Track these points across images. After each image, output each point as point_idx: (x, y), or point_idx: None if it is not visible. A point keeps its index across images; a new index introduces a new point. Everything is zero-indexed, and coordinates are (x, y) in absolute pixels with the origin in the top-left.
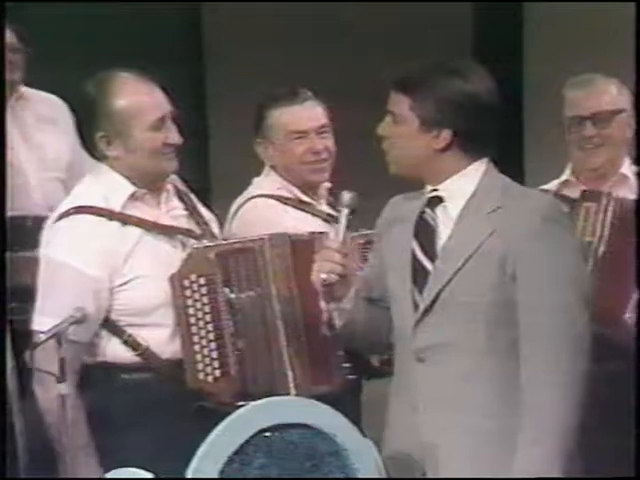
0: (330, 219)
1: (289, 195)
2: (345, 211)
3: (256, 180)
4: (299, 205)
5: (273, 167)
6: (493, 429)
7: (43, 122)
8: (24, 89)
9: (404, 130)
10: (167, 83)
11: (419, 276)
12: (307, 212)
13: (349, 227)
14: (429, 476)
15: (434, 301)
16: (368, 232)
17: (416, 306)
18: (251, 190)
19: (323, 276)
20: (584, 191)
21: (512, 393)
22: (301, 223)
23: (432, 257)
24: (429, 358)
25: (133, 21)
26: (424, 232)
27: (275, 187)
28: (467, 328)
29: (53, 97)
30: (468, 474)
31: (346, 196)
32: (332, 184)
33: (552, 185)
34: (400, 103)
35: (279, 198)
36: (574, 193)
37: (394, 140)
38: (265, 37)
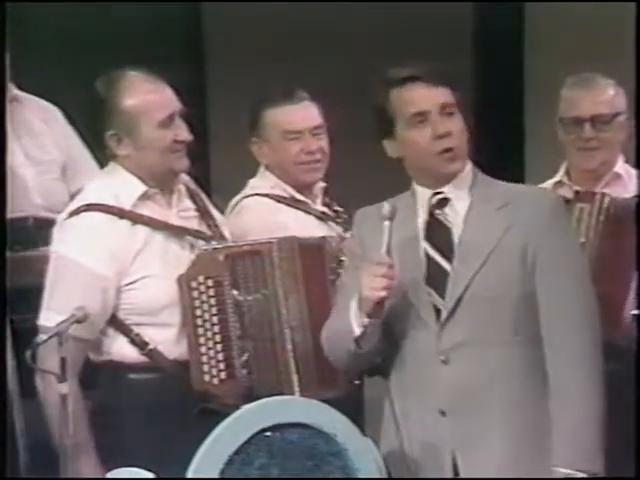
0: (325, 217)
1: (283, 194)
2: (386, 223)
3: (251, 181)
4: (293, 203)
5: (268, 167)
6: (525, 422)
7: (37, 125)
8: (18, 92)
9: (460, 120)
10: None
11: (435, 278)
12: (301, 210)
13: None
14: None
15: (458, 301)
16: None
17: (436, 308)
18: (246, 191)
19: (382, 294)
20: (577, 192)
21: (539, 383)
22: (295, 221)
23: (449, 257)
24: (453, 358)
25: (133, 22)
26: (437, 233)
27: (269, 186)
28: (493, 323)
29: (44, 101)
30: (497, 471)
31: (386, 208)
32: (327, 184)
33: (546, 185)
34: (448, 96)
35: (273, 197)
36: (567, 193)
37: (455, 134)
38: (265, 38)
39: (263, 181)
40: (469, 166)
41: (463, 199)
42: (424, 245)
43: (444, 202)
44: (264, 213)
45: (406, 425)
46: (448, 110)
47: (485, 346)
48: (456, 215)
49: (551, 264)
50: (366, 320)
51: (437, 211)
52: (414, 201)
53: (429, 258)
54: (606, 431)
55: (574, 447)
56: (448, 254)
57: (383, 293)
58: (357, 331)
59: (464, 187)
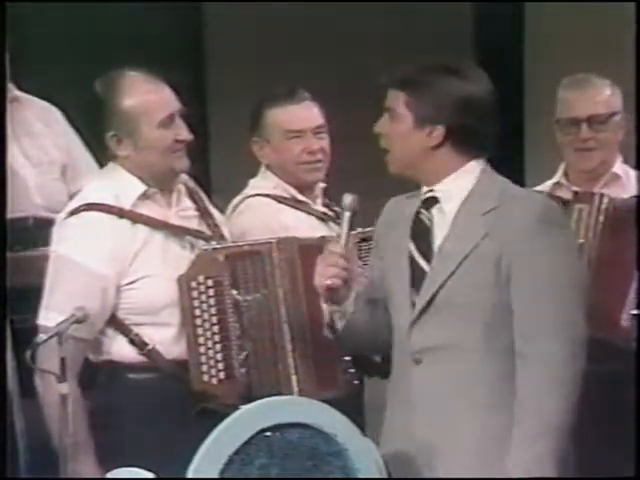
0: (326, 218)
1: (285, 194)
2: (347, 214)
3: (252, 181)
4: (295, 204)
5: (269, 167)
6: (491, 427)
7: (38, 125)
8: (18, 93)
9: (399, 127)
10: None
11: (417, 277)
12: (302, 211)
13: (351, 229)
14: (425, 476)
15: (430, 302)
16: (365, 230)
17: (414, 307)
18: (247, 191)
19: (328, 282)
20: (576, 192)
21: (510, 391)
22: (296, 222)
23: (428, 258)
24: (425, 360)
25: (133, 22)
26: (420, 233)
27: (271, 186)
28: (464, 329)
29: (44, 102)
30: (467, 473)
31: (348, 199)
32: (327, 184)
33: (544, 187)
34: (396, 99)
35: (275, 197)
36: (566, 194)
37: (390, 137)
38: (265, 38)
39: (264, 181)
40: (471, 166)
41: (455, 200)
42: (409, 244)
43: (432, 201)
44: (267, 213)
45: (389, 419)
46: (391, 113)
47: (456, 351)
48: (443, 215)
49: (525, 274)
50: (326, 307)
51: (422, 210)
52: (418, 199)
53: (412, 258)
54: (606, 431)
55: (525, 459)
56: (427, 254)
57: (329, 282)
58: (326, 317)
59: (461, 186)
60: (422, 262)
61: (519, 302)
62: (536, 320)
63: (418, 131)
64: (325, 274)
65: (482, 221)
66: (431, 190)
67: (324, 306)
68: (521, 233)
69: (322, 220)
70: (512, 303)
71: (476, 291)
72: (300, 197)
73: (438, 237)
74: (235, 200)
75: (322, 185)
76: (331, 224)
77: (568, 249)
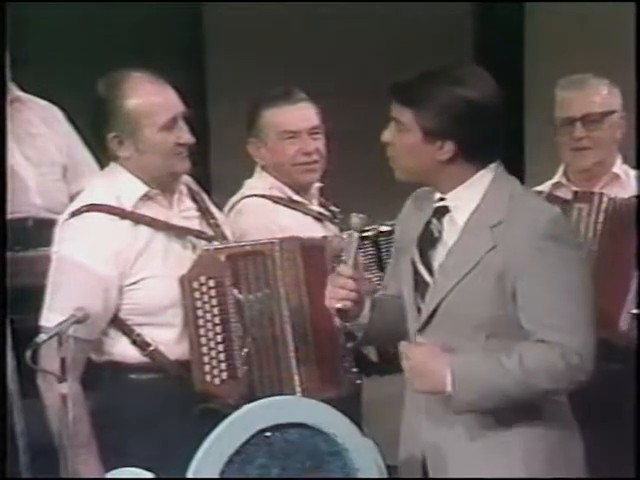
0: (322, 217)
1: (281, 194)
2: (355, 235)
3: (248, 181)
4: (291, 204)
5: (264, 167)
6: (491, 435)
7: (37, 125)
8: (19, 93)
9: (408, 140)
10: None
11: (420, 285)
12: (299, 211)
13: (358, 249)
14: (431, 476)
15: (433, 313)
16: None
17: (420, 313)
18: (243, 191)
19: (338, 305)
20: (576, 192)
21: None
22: (293, 222)
23: (431, 269)
24: None
25: (133, 23)
26: (427, 242)
27: (267, 187)
28: (466, 341)
29: (46, 102)
30: (469, 475)
31: (355, 219)
32: (323, 184)
33: (545, 187)
34: (403, 113)
35: (271, 197)
36: (566, 194)
37: (398, 148)
38: (265, 38)
39: (260, 182)
40: (481, 174)
41: (466, 210)
42: (414, 252)
43: (443, 210)
44: (263, 214)
45: (403, 421)
46: (398, 125)
47: None
48: (454, 225)
49: (531, 291)
50: (339, 322)
51: (433, 220)
52: (430, 203)
53: (415, 266)
54: (606, 431)
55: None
56: (429, 266)
57: (339, 304)
58: (342, 330)
59: (471, 196)
60: (425, 273)
61: (525, 319)
62: (543, 338)
63: (428, 145)
64: (335, 296)
65: (490, 234)
66: (443, 199)
67: (338, 322)
68: (526, 248)
69: (319, 220)
70: (519, 316)
71: (478, 304)
72: (296, 197)
73: (447, 246)
74: (231, 201)
75: (318, 185)
76: (327, 224)
77: (575, 265)
